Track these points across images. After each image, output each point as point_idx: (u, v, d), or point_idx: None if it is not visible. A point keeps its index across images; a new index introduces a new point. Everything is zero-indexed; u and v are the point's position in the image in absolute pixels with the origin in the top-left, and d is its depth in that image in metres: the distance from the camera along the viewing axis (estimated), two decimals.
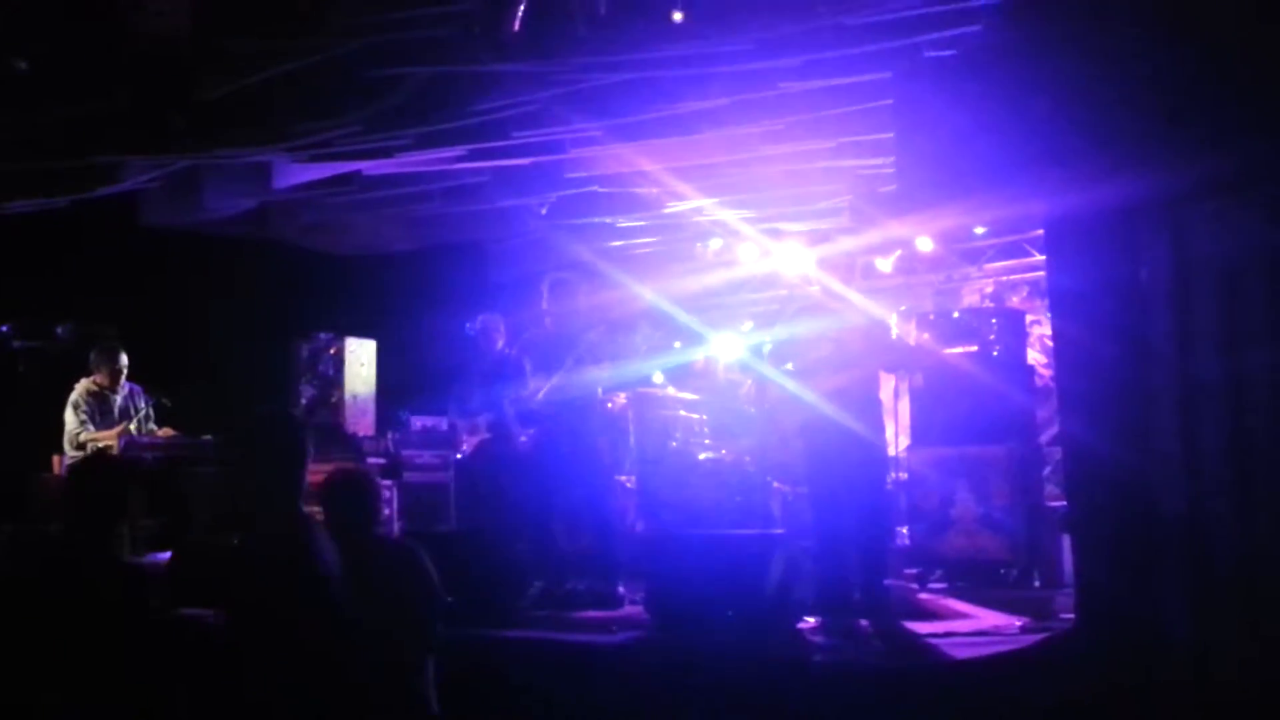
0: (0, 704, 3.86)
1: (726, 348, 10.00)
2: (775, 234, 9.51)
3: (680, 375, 9.92)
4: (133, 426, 8.52)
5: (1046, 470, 8.14)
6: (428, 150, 7.08)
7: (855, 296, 6.61)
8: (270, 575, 3.28)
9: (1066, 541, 6.60)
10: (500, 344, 7.96)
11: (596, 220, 9.19)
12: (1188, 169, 5.01)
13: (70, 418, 8.53)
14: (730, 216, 9.14)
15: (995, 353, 7.87)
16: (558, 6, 5.44)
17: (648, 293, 10.98)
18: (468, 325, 8.34)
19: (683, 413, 9.39)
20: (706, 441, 9.25)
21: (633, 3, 5.53)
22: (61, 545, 4.21)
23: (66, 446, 8.52)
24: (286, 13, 5.51)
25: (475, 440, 8.26)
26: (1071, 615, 5.47)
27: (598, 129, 6.89)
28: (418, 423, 9.51)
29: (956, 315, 8.29)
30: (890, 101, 6.17)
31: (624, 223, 9.23)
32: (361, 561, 4.11)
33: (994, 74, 5.57)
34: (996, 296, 9.68)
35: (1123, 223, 5.28)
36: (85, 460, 6.01)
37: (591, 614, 6.47)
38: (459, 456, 8.34)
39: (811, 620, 5.85)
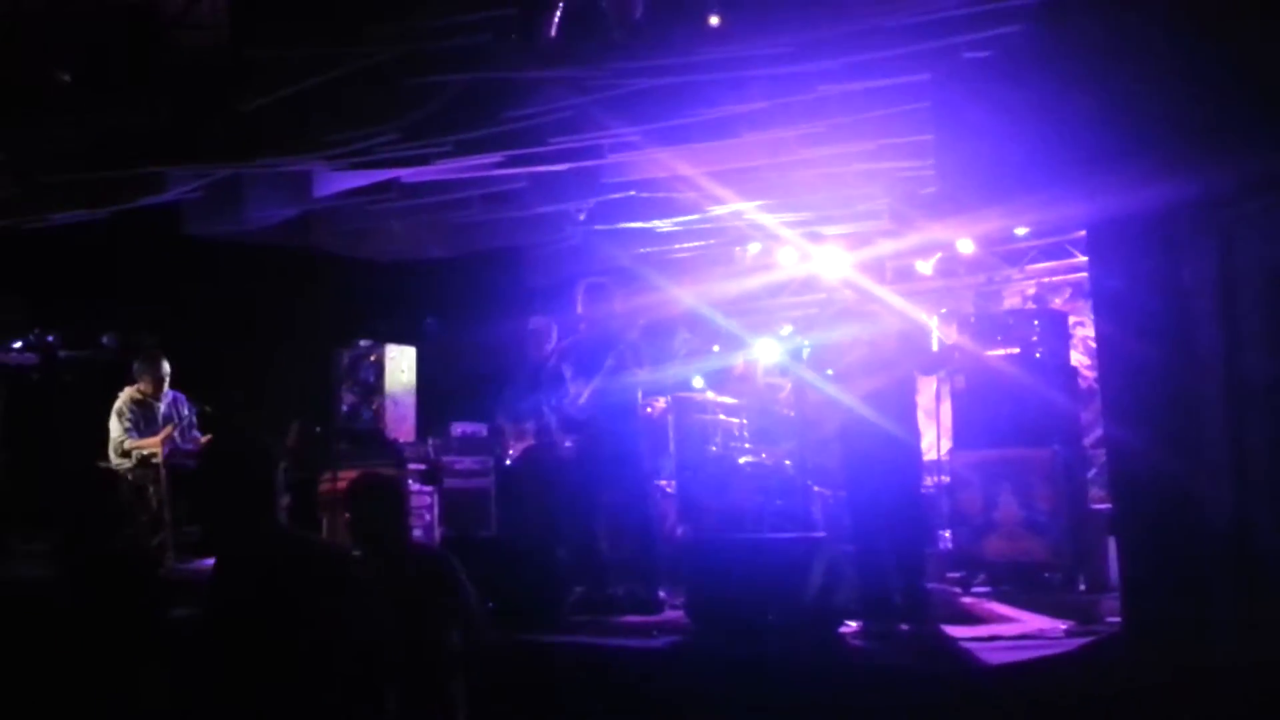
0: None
1: (766, 352, 9.97)
2: (814, 237, 9.47)
3: (719, 380, 9.90)
4: (176, 434, 8.60)
5: (1091, 473, 8.06)
6: (466, 157, 7.10)
7: (892, 299, 6.59)
8: (241, 597, 3.27)
9: (1112, 544, 6.54)
10: (550, 347, 7.93)
11: (635, 225, 9.19)
12: (1234, 168, 4.95)
13: (115, 425, 8.63)
14: (769, 220, 9.11)
15: (1038, 354, 7.80)
16: (594, 12, 5.45)
17: (687, 297, 10.98)
18: (524, 327, 8.27)
19: (722, 417, 9.38)
20: (746, 446, 9.23)
21: (670, 7, 5.52)
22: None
23: (112, 454, 8.62)
24: (324, 23, 5.55)
25: (522, 446, 8.28)
26: (1117, 619, 5.42)
27: (635, 134, 6.88)
28: (458, 429, 9.56)
29: (998, 317, 8.21)
30: (929, 104, 6.14)
31: (663, 227, 9.22)
32: (388, 568, 4.12)
33: (1034, 74, 5.52)
34: (1039, 298, 9.60)
35: (1166, 223, 5.23)
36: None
37: (632, 619, 6.46)
38: (507, 462, 8.35)
39: (852, 624, 5.82)
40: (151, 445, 8.51)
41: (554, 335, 8.00)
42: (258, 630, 3.15)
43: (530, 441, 8.21)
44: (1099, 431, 8.36)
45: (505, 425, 8.54)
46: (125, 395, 8.74)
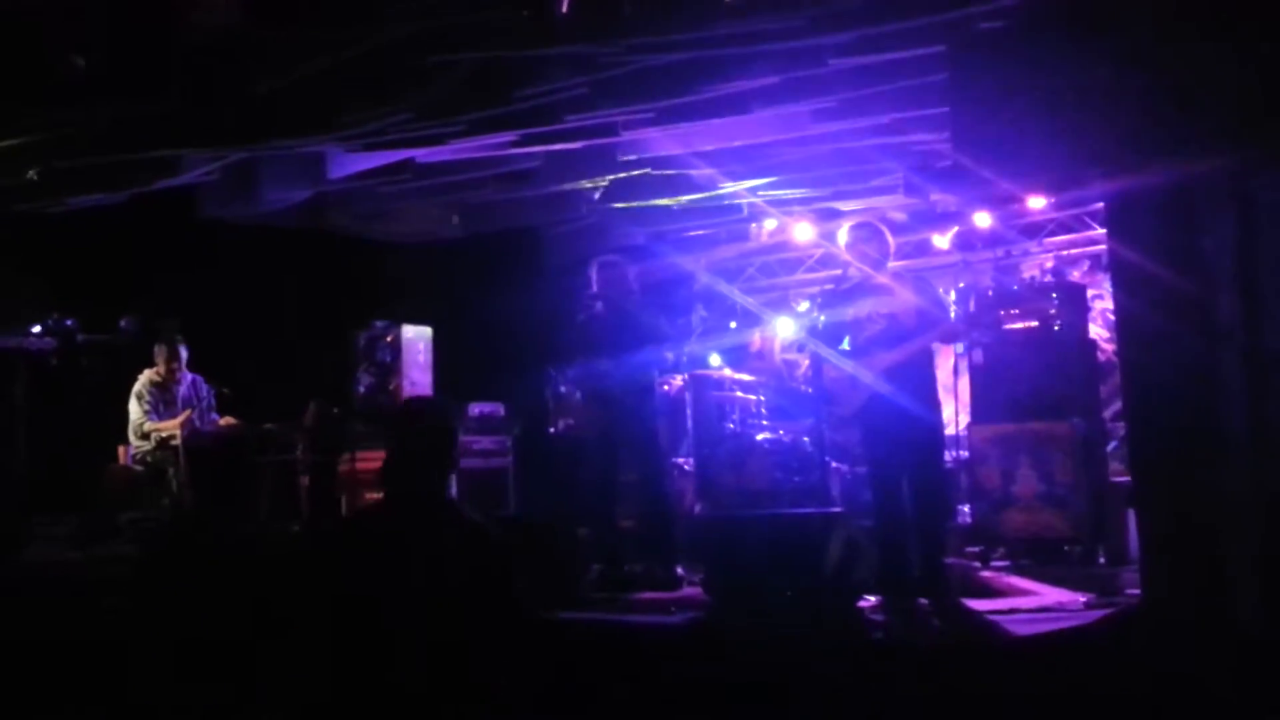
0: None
1: (782, 328, 9.95)
2: (830, 212, 9.43)
3: (737, 356, 9.90)
4: (195, 416, 8.65)
5: (1111, 446, 8.03)
6: (480, 136, 7.09)
7: (907, 274, 6.57)
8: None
9: (1131, 518, 6.52)
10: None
11: (650, 203, 9.16)
12: (1254, 139, 4.90)
13: (134, 408, 8.69)
14: (784, 196, 9.07)
15: (1056, 328, 7.76)
16: None
17: (703, 274, 10.97)
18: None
19: (739, 394, 9.38)
20: (764, 422, 9.23)
21: None
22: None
23: (131, 436, 8.68)
24: (336, 3, 5.54)
25: (567, 421, 8.27)
26: (1137, 592, 5.40)
27: (649, 110, 6.86)
28: (475, 409, 9.58)
29: (1016, 290, 8.18)
30: (944, 76, 6.10)
31: (678, 204, 9.19)
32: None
33: (1051, 45, 5.48)
34: (1057, 271, 9.54)
35: (1186, 195, 5.19)
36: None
37: (650, 596, 6.48)
38: (552, 430, 8.32)
39: (871, 599, 5.82)
40: (170, 428, 8.56)
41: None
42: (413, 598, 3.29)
43: (568, 420, 8.20)
44: (1118, 404, 8.33)
45: (551, 399, 8.49)
46: (144, 378, 8.79)
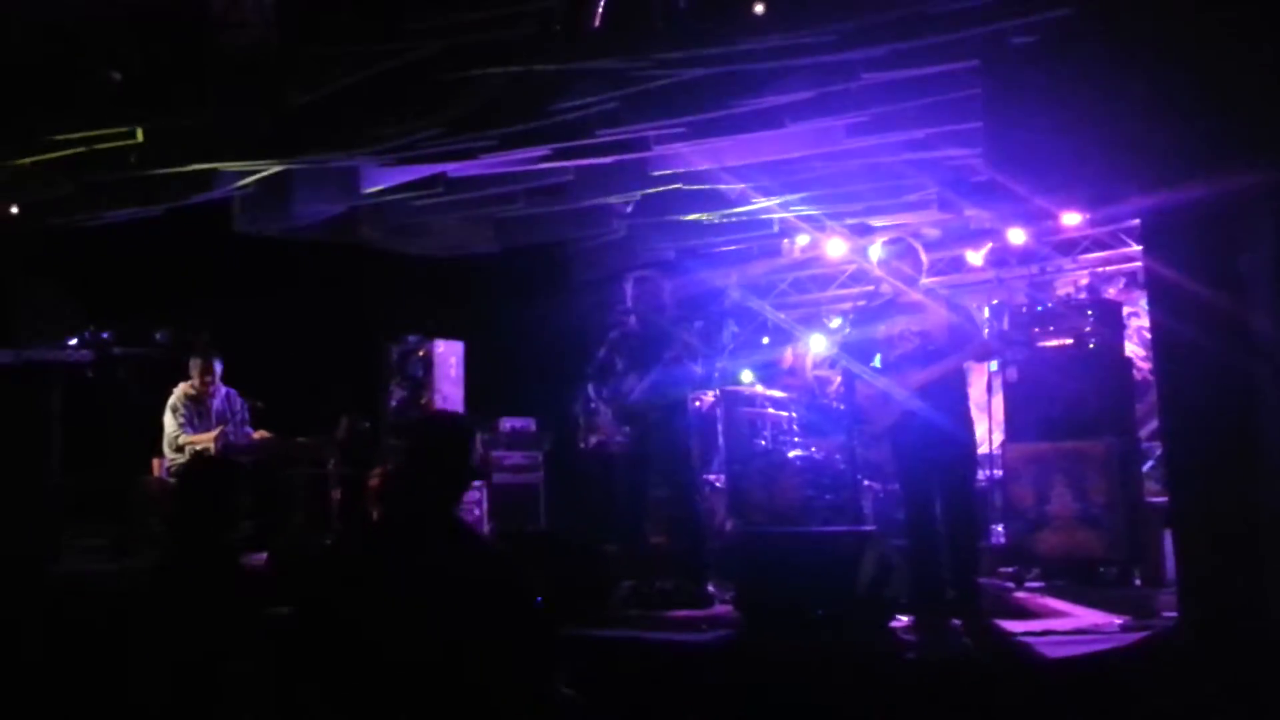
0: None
1: (814, 344, 9.91)
2: (862, 228, 9.39)
3: (768, 373, 9.86)
4: (229, 429, 8.69)
5: (1147, 465, 7.94)
6: (511, 151, 7.10)
7: (941, 291, 6.52)
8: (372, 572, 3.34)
9: (1168, 538, 6.43)
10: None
11: (682, 218, 9.15)
12: None
13: (169, 421, 8.75)
14: (816, 212, 9.04)
15: (1091, 345, 7.67)
16: (637, 2, 5.42)
17: (735, 290, 10.94)
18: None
19: (771, 410, 9.34)
20: (796, 439, 9.18)
21: None
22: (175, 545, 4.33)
23: (166, 449, 8.73)
24: (369, 19, 5.57)
25: (596, 438, 8.25)
26: (1174, 614, 5.32)
27: (681, 125, 6.85)
28: (506, 424, 9.59)
29: (1050, 307, 8.10)
30: (978, 91, 6.06)
31: (710, 219, 9.18)
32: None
33: (1086, 59, 5.43)
34: (1092, 288, 9.45)
35: (1222, 211, 5.12)
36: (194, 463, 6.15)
37: (681, 613, 6.44)
38: (585, 448, 8.31)
39: (904, 619, 5.76)
40: (205, 440, 8.61)
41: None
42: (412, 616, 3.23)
43: (601, 436, 8.17)
44: (1154, 423, 8.22)
45: (581, 415, 8.47)
46: (179, 391, 8.85)
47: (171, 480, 8.66)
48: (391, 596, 3.24)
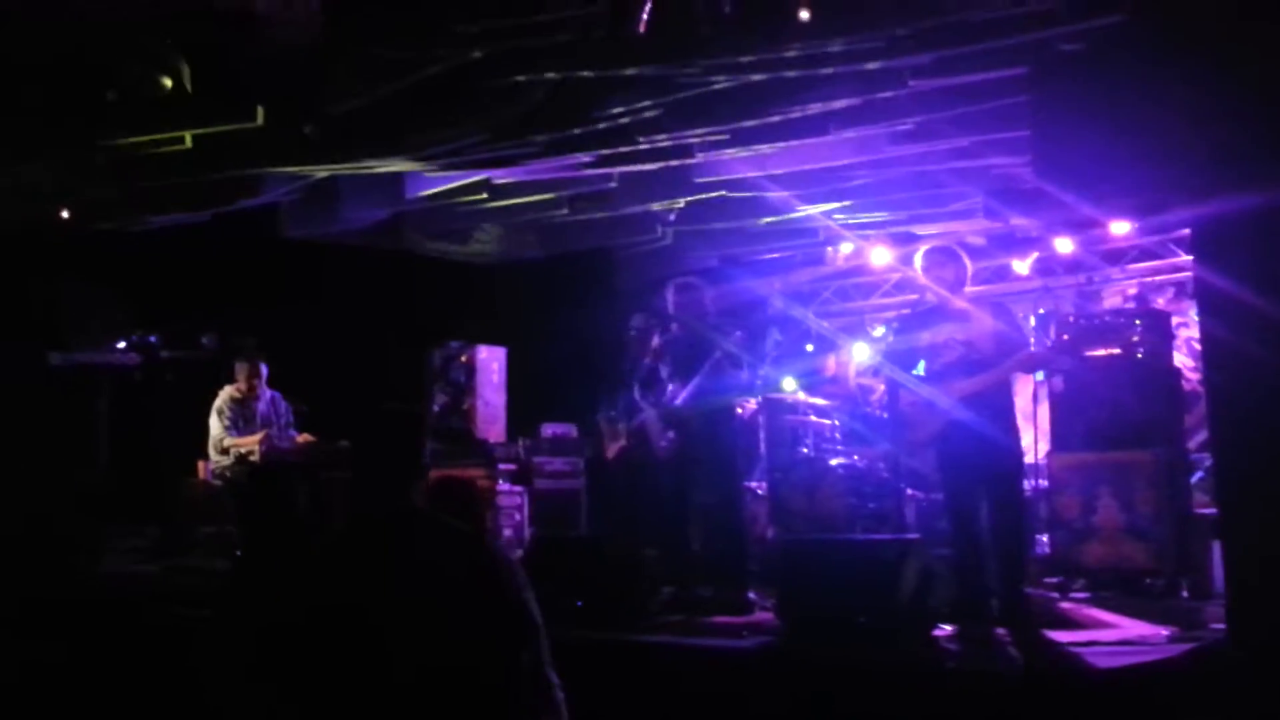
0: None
1: (858, 353, 9.86)
2: (907, 236, 9.35)
3: (811, 381, 9.82)
4: (274, 432, 8.76)
5: (1196, 477, 7.83)
6: (556, 157, 7.12)
7: (987, 300, 6.47)
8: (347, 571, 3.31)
9: (1217, 550, 6.34)
10: (655, 345, 7.79)
11: (725, 225, 9.14)
12: None
13: (215, 424, 8.82)
14: (860, 220, 9.01)
15: (1139, 355, 7.60)
16: (683, 8, 5.41)
17: (778, 298, 10.91)
18: (627, 325, 8.19)
19: (814, 418, 9.30)
20: (839, 447, 9.14)
21: (758, 2, 5.46)
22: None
23: (211, 452, 8.80)
24: (415, 24, 5.59)
25: (617, 446, 8.26)
26: (1222, 626, 5.24)
27: (725, 132, 6.84)
28: (548, 429, 9.60)
29: (1098, 317, 8.02)
30: (1025, 98, 6.02)
31: (753, 227, 9.16)
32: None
33: (1134, 66, 5.38)
34: (1140, 298, 9.36)
35: (1275, 218, 5.05)
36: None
37: (721, 620, 6.41)
38: (607, 457, 8.33)
39: (947, 628, 5.71)
40: (249, 444, 8.68)
41: (653, 334, 7.89)
42: (381, 605, 3.17)
43: (624, 442, 8.19)
44: (1203, 435, 8.12)
45: (603, 423, 8.52)
46: (225, 394, 8.93)
47: (217, 483, 8.75)
48: (367, 598, 3.21)
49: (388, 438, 3.47)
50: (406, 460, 3.46)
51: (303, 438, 8.96)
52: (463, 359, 9.98)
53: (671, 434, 7.08)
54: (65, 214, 8.02)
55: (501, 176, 7.64)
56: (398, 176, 7.59)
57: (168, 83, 5.95)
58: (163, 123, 6.38)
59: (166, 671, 5.19)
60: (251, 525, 4.47)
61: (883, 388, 8.95)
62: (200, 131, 6.53)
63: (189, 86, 5.81)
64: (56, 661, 6.30)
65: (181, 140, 6.59)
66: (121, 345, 9.21)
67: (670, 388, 7.14)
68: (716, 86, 6.20)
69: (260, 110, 6.26)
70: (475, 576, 3.27)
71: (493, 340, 10.03)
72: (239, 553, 4.91)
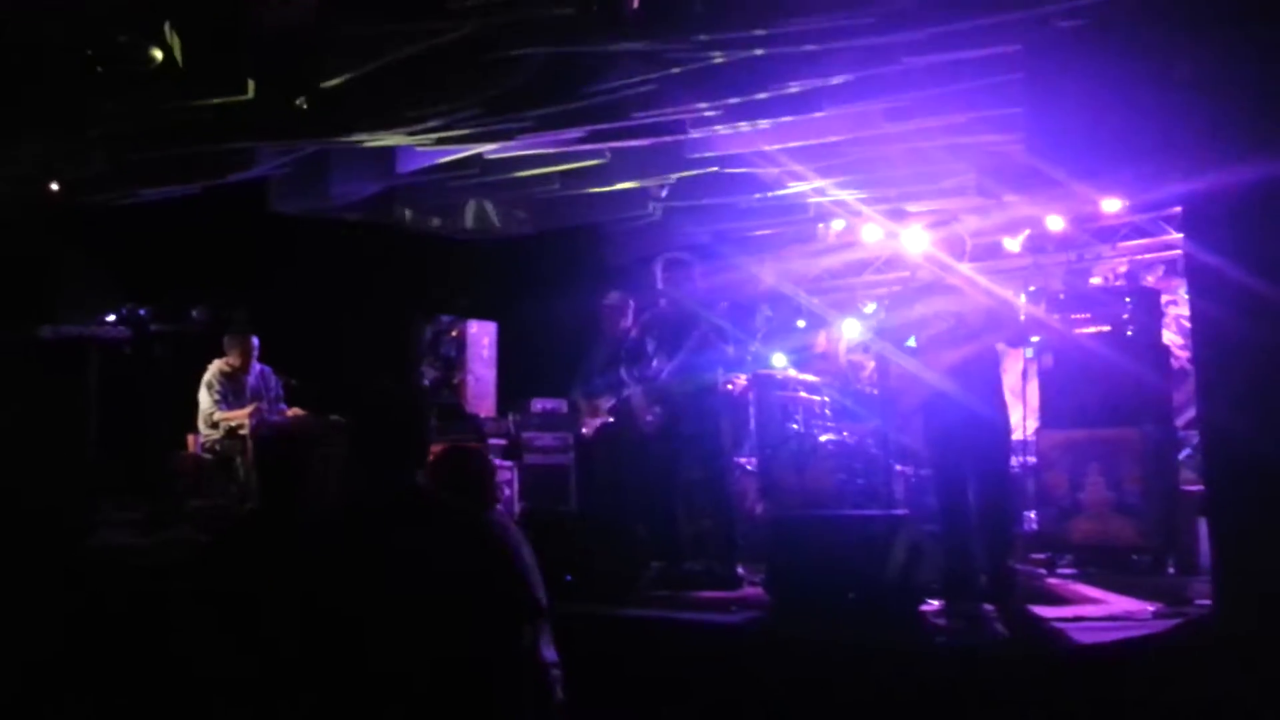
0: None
1: (848, 329, 9.88)
2: (898, 214, 9.35)
3: (801, 357, 9.84)
4: (264, 406, 8.75)
5: (1183, 454, 7.87)
6: (548, 132, 7.10)
7: (978, 277, 6.48)
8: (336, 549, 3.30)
9: (1203, 527, 6.39)
10: (626, 324, 7.94)
11: (717, 202, 9.13)
12: None
13: (204, 398, 8.82)
14: (852, 197, 9.01)
15: (1129, 333, 7.62)
16: None
17: (768, 274, 10.91)
18: (600, 303, 8.32)
19: (804, 394, 9.32)
20: (828, 424, 9.16)
21: None
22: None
23: (201, 425, 8.80)
24: None
25: (597, 422, 8.29)
26: (1208, 602, 5.29)
27: (717, 108, 6.83)
28: (538, 405, 9.61)
29: (1088, 294, 8.04)
30: (1020, 75, 6.00)
31: (744, 204, 9.15)
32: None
33: (1130, 44, 5.38)
34: (1130, 275, 9.38)
35: (1266, 197, 5.07)
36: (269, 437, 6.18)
37: (710, 594, 6.44)
38: (584, 433, 8.37)
39: (935, 603, 5.75)
40: (239, 417, 8.67)
41: (630, 311, 7.97)
42: (380, 587, 3.15)
43: (606, 418, 8.21)
44: (1191, 413, 8.16)
45: (580, 400, 8.55)
46: (214, 368, 8.92)
47: (206, 456, 8.75)
48: (369, 581, 3.18)
49: (394, 417, 3.40)
50: (413, 440, 3.40)
51: (292, 411, 8.96)
52: (453, 334, 9.98)
53: (658, 409, 7.08)
54: (55, 187, 7.98)
55: (493, 152, 7.62)
56: (389, 151, 7.56)
57: (158, 55, 5.91)
58: (153, 95, 6.33)
59: (155, 643, 5.21)
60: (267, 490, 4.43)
61: (873, 364, 8.98)
62: (190, 104, 6.50)
63: (179, 59, 5.76)
64: (47, 635, 6.30)
65: (172, 113, 6.56)
66: (111, 318, 9.18)
67: (656, 363, 7.14)
68: (710, 62, 6.18)
69: (251, 83, 6.24)
70: (471, 563, 3.23)
71: (483, 315, 10.02)
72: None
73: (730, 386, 8.34)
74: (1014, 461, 7.39)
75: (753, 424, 9.47)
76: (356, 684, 3.13)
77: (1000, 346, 6.44)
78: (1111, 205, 9.08)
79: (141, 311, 9.03)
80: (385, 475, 3.34)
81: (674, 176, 8.41)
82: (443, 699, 3.14)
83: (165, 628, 4.19)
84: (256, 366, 9.02)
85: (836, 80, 6.49)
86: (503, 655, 3.23)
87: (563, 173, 8.31)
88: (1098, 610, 5.83)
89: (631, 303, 7.85)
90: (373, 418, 3.42)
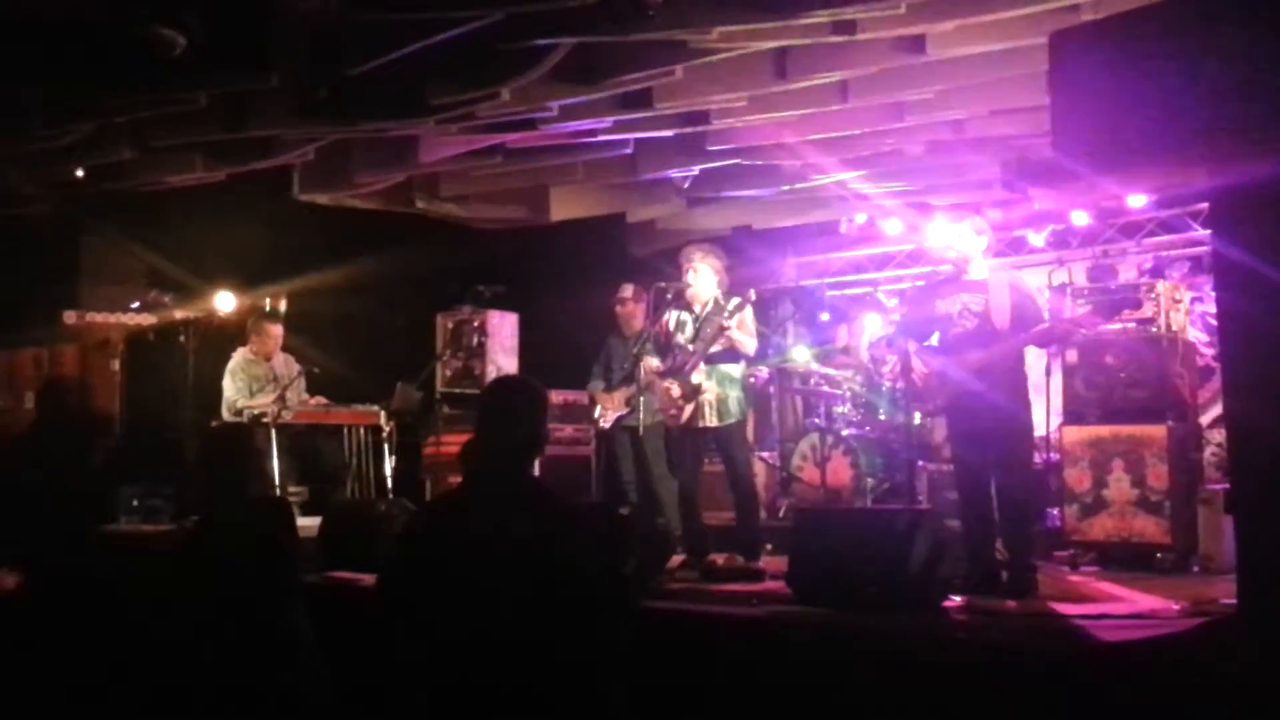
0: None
1: (870, 324, 9.84)
2: (923, 208, 9.30)
3: (824, 352, 9.81)
4: (289, 395, 8.77)
5: (1208, 452, 7.82)
6: (571, 122, 7.09)
7: (1003, 272, 6.43)
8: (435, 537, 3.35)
9: (1228, 526, 6.33)
10: (643, 315, 7.94)
11: (739, 194, 9.10)
12: None
13: (228, 385, 8.84)
14: (876, 189, 8.96)
15: (1154, 329, 7.58)
16: None
17: (791, 268, 10.88)
18: (615, 296, 8.34)
19: (826, 389, 9.30)
20: (850, 418, 9.14)
21: None
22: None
23: (225, 413, 8.83)
24: None
25: (617, 414, 8.27)
26: (1233, 602, 5.24)
27: (741, 99, 6.81)
28: (559, 396, 9.61)
29: (1113, 290, 7.99)
30: (1047, 68, 5.96)
31: (768, 196, 9.12)
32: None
33: (1161, 36, 5.32)
34: (1155, 272, 9.31)
35: None
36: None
37: (732, 587, 6.43)
38: (604, 427, 8.35)
39: (957, 599, 5.72)
40: (262, 405, 8.70)
41: (646, 304, 7.90)
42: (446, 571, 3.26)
43: (625, 410, 8.20)
44: (1216, 410, 8.11)
45: (597, 394, 8.55)
46: (238, 356, 8.95)
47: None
48: (481, 567, 3.25)
49: (511, 412, 3.54)
50: (530, 434, 3.55)
51: (316, 400, 8.99)
52: (475, 323, 9.99)
53: (681, 402, 7.07)
54: (80, 173, 8.01)
55: (516, 142, 7.61)
56: (412, 140, 7.56)
57: (182, 42, 5.92)
58: (178, 83, 6.35)
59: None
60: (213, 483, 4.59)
61: (895, 359, 8.94)
62: (215, 92, 6.52)
63: (205, 47, 5.78)
64: (68, 620, 6.33)
65: (197, 100, 6.57)
66: (136, 305, 9.23)
67: (679, 355, 7.12)
68: (735, 52, 6.16)
69: (275, 72, 6.25)
70: (588, 557, 3.33)
71: (505, 306, 10.02)
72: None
73: (752, 380, 8.33)
74: (1037, 458, 7.35)
75: (775, 418, 9.45)
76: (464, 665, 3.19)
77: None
78: (1137, 201, 9.02)
79: (166, 298, 9.07)
80: (500, 465, 3.45)
81: (697, 168, 8.39)
82: (541, 691, 3.19)
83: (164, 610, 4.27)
84: (279, 355, 9.05)
85: (861, 72, 6.47)
86: (603, 648, 3.31)
87: (586, 163, 8.30)
88: (1122, 608, 5.77)
89: (647, 295, 7.83)
90: (490, 410, 3.58)
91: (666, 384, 7.06)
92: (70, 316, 9.28)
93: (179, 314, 9.09)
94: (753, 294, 7.09)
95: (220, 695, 3.94)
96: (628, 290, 8.29)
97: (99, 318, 9.12)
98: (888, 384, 9.07)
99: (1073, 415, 7.74)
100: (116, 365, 8.83)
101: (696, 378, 6.95)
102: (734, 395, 7.05)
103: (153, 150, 7.45)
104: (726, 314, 6.85)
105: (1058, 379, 7.92)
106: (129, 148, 7.42)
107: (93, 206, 8.74)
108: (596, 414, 8.45)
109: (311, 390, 9.08)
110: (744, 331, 6.92)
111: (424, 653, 3.28)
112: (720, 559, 6.92)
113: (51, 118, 6.89)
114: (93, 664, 5.63)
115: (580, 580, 3.26)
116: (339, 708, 4.19)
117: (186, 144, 7.48)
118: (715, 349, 6.93)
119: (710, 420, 6.99)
